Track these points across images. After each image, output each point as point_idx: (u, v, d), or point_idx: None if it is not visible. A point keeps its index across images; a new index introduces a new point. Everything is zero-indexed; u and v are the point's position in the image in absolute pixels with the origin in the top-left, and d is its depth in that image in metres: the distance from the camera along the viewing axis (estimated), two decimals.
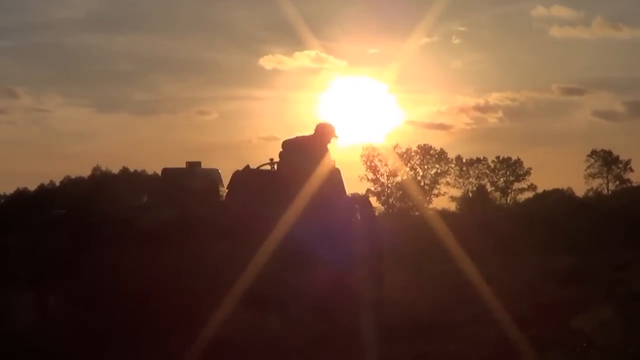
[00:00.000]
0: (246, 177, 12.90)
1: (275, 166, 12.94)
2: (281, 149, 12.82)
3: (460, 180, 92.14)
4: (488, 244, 24.26)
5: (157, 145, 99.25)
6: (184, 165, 13.93)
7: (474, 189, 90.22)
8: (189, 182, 13.28)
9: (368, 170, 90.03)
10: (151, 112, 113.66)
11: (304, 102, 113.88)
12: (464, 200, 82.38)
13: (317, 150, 12.63)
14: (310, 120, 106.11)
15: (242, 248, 11.29)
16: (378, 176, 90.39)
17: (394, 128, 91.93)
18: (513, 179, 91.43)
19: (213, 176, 13.77)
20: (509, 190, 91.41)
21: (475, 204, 72.89)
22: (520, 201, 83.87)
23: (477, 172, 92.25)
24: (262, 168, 13.08)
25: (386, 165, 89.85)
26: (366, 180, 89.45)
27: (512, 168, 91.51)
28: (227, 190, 13.13)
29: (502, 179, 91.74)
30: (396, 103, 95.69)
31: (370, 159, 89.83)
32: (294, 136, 13.12)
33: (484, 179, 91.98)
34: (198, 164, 13.87)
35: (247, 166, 13.09)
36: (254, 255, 11.02)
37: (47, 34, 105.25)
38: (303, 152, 12.59)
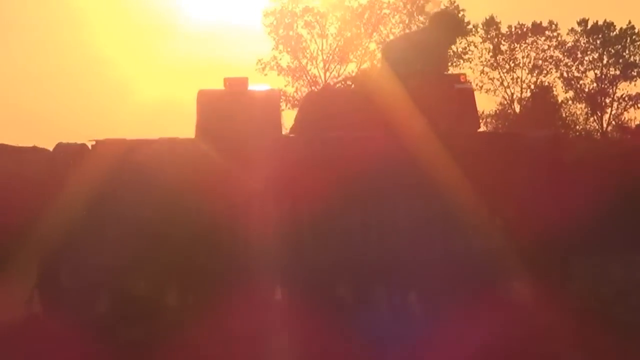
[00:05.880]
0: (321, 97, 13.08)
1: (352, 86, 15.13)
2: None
3: None
4: None
5: None
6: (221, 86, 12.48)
7: None
8: (240, 108, 11.86)
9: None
10: None
11: None
12: None
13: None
14: None
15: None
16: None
17: None
18: None
19: (273, 99, 13.18)
20: None
21: None
22: None
23: None
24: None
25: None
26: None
27: None
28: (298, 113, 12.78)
29: None
30: None
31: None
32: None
33: None
34: (244, 80, 12.42)
35: (325, 84, 14.77)
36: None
37: None
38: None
